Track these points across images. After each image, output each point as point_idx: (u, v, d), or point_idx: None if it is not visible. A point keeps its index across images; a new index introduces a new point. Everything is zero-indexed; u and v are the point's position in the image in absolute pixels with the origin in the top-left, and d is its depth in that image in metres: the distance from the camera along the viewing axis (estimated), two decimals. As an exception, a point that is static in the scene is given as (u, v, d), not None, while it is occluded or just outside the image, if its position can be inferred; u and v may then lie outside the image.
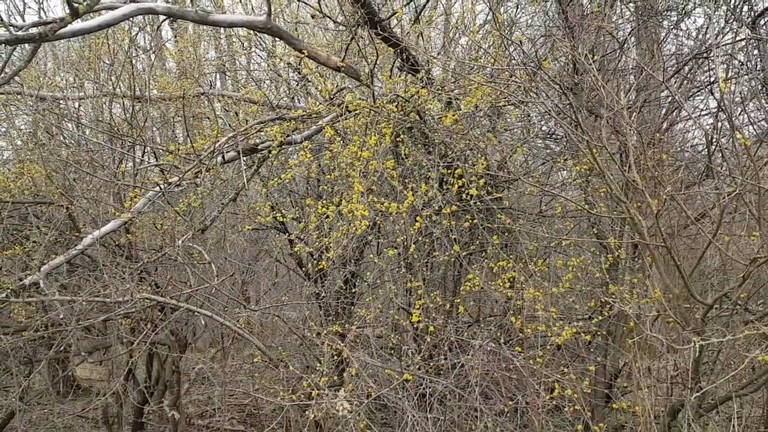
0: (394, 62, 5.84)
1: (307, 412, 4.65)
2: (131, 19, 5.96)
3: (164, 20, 9.04)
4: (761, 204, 3.70)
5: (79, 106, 7.57)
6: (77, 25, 4.65)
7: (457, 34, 7.75)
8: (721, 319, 4.79)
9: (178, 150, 5.61)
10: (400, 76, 5.93)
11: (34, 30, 4.49)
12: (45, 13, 11.73)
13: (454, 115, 5.20)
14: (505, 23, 6.45)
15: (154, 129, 8.47)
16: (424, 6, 7.12)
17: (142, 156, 7.13)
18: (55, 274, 5.26)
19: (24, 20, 8.67)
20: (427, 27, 6.97)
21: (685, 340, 4.31)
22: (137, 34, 9.39)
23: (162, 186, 5.01)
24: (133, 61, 7.44)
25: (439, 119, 5.40)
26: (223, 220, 6.70)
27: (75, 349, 5.96)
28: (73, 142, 7.28)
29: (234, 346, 8.30)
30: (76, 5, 4.15)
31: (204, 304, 5.84)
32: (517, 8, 7.30)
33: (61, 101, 7.31)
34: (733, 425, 4.54)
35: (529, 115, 6.69)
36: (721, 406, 4.84)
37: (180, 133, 8.54)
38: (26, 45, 4.92)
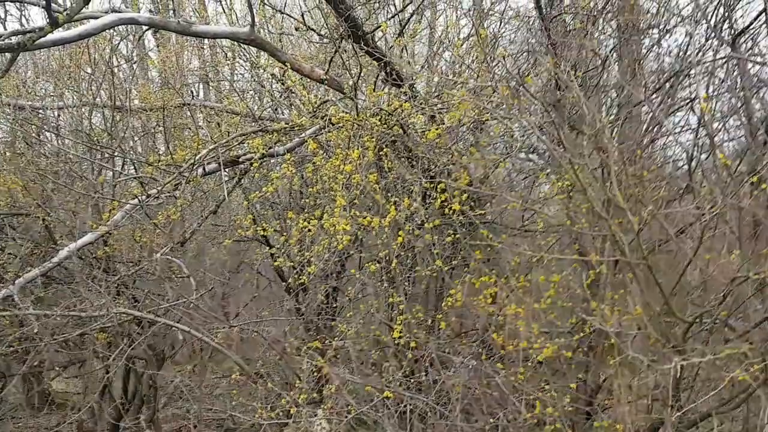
0: (377, 75, 5.83)
1: (284, 430, 4.58)
2: (113, 28, 5.91)
3: (146, 30, 8.97)
4: (741, 222, 3.71)
5: (59, 115, 7.48)
6: (57, 34, 4.61)
7: (441, 48, 7.78)
8: (702, 336, 4.80)
9: (158, 162, 5.55)
10: (383, 90, 5.92)
11: (13, 39, 4.44)
12: (27, 21, 11.62)
13: (437, 130, 5.19)
14: (489, 39, 6.47)
15: (135, 139, 8.38)
16: (408, 20, 7.13)
17: (122, 167, 7.05)
18: (30, 287, 5.16)
19: (5, 28, 8.57)
20: (411, 41, 6.98)
21: (665, 357, 4.30)
22: (119, 43, 9.31)
23: (141, 198, 4.94)
24: (115, 71, 7.37)
25: (423, 133, 5.39)
26: (203, 232, 6.63)
27: (50, 364, 5.85)
28: (51, 152, 7.18)
29: (212, 361, 8.19)
30: (56, 15, 4.10)
31: (182, 319, 5.75)
32: (501, 23, 7.34)
33: (40, 111, 7.22)
34: (713, 443, 4.54)
35: (511, 130, 6.71)
36: (700, 423, 4.84)
37: (161, 143, 8.46)
38: (5, 54, 4.85)
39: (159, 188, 4.96)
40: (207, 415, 7.83)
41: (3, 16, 12.14)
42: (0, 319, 5.34)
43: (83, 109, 7.02)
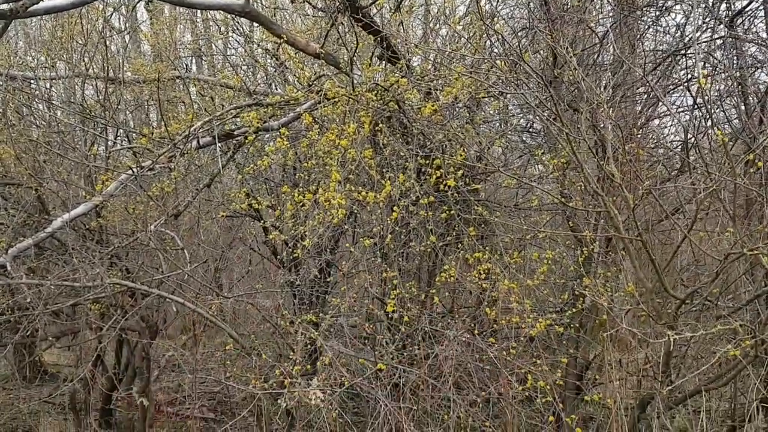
0: (373, 51, 5.79)
1: (279, 401, 4.61)
2: (106, -2, 5.83)
3: (139, 1, 8.86)
4: (736, 200, 3.74)
5: (51, 86, 7.40)
6: (50, 2, 4.53)
7: (438, 24, 7.73)
8: (693, 314, 4.86)
9: (152, 133, 5.51)
10: (379, 65, 5.89)
11: (4, 6, 4.36)
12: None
13: (433, 106, 5.17)
14: (487, 14, 6.43)
15: (128, 112, 8.31)
16: (406, -6, 7.07)
17: (115, 139, 6.99)
18: (22, 257, 5.14)
19: (-6, -4, 8.43)
20: (407, 16, 6.91)
21: (656, 333, 4.36)
22: (112, 14, 9.19)
23: (135, 170, 4.91)
24: (107, 42, 7.27)
25: (419, 109, 5.37)
26: (196, 206, 6.60)
27: (42, 334, 5.84)
28: (43, 122, 7.11)
29: (205, 334, 8.21)
30: (48, -19, 4.04)
31: (176, 291, 5.76)
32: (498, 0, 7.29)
33: (32, 81, 7.14)
34: (701, 418, 4.61)
35: (507, 107, 6.70)
36: (689, 399, 4.91)
37: (154, 116, 8.40)
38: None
39: (153, 159, 4.93)
40: (200, 387, 7.87)
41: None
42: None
43: (76, 80, 6.94)
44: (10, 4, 4.38)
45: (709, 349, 4.96)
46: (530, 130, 7.16)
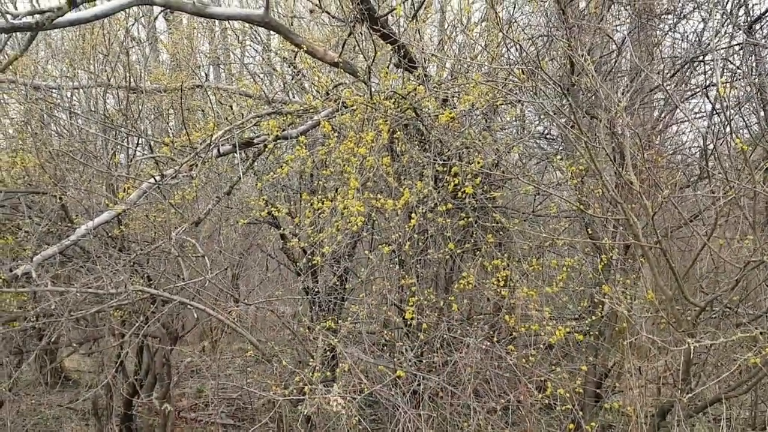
0: (391, 59, 5.83)
1: (299, 407, 4.65)
2: (128, 9, 5.93)
3: (161, 12, 8.98)
4: (755, 207, 3.73)
5: (73, 96, 7.52)
6: (74, 14, 4.61)
7: (454, 33, 7.76)
8: (712, 322, 4.83)
9: (174, 142, 5.59)
10: (397, 73, 5.93)
11: (30, 18, 4.45)
12: (38, 1, 11.60)
13: (450, 113, 5.20)
14: (503, 23, 6.45)
15: (148, 121, 8.42)
16: (422, 3, 7.12)
17: (136, 147, 7.09)
18: (47, 265, 5.22)
19: (16, 8, 8.58)
20: (424, 24, 6.96)
21: (676, 341, 4.34)
22: (133, 24, 9.33)
23: (157, 178, 4.99)
24: (128, 52, 7.39)
25: (436, 117, 5.40)
26: (216, 213, 6.67)
27: (65, 340, 5.92)
28: (66, 132, 7.23)
29: (225, 340, 8.27)
30: (74, -6, 4.12)
31: (195, 297, 5.81)
32: (515, 7, 7.31)
33: (54, 91, 7.26)
34: (722, 426, 4.59)
35: (524, 114, 6.71)
36: (710, 407, 4.88)
37: (173, 125, 8.50)
38: (20, 33, 4.88)
39: (176, 168, 5.00)
40: (220, 393, 7.93)
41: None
42: (18, 296, 5.41)
43: (97, 90, 7.05)
44: (36, 16, 4.48)
45: (730, 357, 4.93)
46: (547, 136, 7.17)
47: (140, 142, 6.99)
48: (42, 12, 4.68)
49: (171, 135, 7.43)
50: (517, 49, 5.45)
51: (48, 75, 7.64)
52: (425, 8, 7.53)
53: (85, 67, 7.29)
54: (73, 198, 6.16)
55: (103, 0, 5.14)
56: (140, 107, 6.98)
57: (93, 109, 7.15)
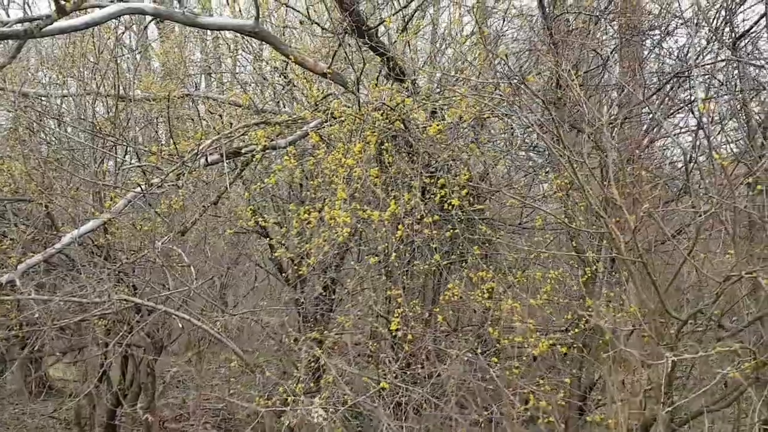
0: (380, 71, 5.87)
1: (282, 419, 4.63)
2: (118, 18, 5.93)
3: (151, 20, 9.00)
4: (736, 222, 3.77)
5: (62, 103, 7.51)
6: (64, 22, 4.61)
7: (444, 45, 7.82)
8: (695, 335, 4.85)
9: (161, 151, 5.59)
10: (386, 85, 5.96)
11: (19, 26, 4.44)
12: (30, 9, 11.62)
13: (438, 125, 5.23)
14: (491, 36, 6.51)
15: (137, 129, 8.41)
16: (412, 16, 7.17)
17: (124, 156, 7.08)
18: (31, 273, 5.20)
19: (8, 15, 8.58)
20: (414, 37, 7.01)
21: (659, 355, 4.36)
22: (123, 33, 9.33)
23: (143, 187, 4.98)
24: (118, 61, 7.39)
25: (424, 129, 5.43)
26: (204, 222, 6.67)
27: (49, 349, 5.89)
28: (54, 139, 7.21)
29: (210, 350, 8.23)
30: (63, 3, 4.12)
31: (181, 307, 5.80)
32: (504, 21, 7.38)
33: (43, 98, 7.25)
34: (704, 440, 4.59)
35: (512, 128, 6.75)
36: (692, 421, 4.89)
37: (162, 133, 8.49)
38: (10, 41, 4.88)
39: (162, 177, 5.00)
40: (204, 403, 7.89)
41: (6, 2, 12.16)
42: (1, 304, 5.38)
43: (86, 98, 7.05)
44: (26, 24, 4.48)
45: (713, 371, 4.95)
46: (535, 148, 7.21)
47: (128, 150, 6.98)
48: (32, 20, 4.68)
49: (160, 144, 7.43)
50: (503, 64, 5.50)
51: (37, 82, 7.64)
52: (417, 21, 7.59)
53: (75, 75, 7.29)
54: (59, 206, 6.14)
55: (94, 8, 5.16)
56: (129, 116, 6.98)
57: (82, 118, 7.15)
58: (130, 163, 6.71)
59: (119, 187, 5.64)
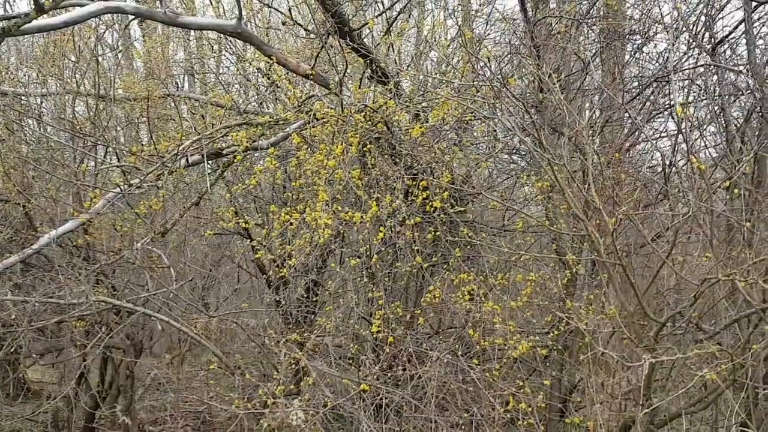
0: (363, 72, 5.86)
1: (261, 421, 4.60)
2: (99, 17, 5.88)
3: (132, 20, 8.93)
4: (713, 226, 3.80)
5: (42, 102, 7.43)
6: (42, 21, 4.56)
7: (427, 48, 7.83)
8: (674, 338, 4.90)
9: (141, 151, 5.54)
10: (369, 87, 5.96)
11: (-3, 24, 4.39)
12: (10, 6, 11.47)
13: (421, 128, 5.23)
14: (474, 40, 6.53)
15: (118, 129, 8.34)
16: (396, 18, 7.17)
17: (104, 156, 7.02)
18: (8, 273, 5.13)
19: (-10, 13, 8.47)
20: (397, 39, 7.02)
21: (638, 357, 4.39)
22: (104, 32, 9.25)
23: (123, 187, 4.94)
24: (99, 60, 7.33)
25: (407, 131, 5.43)
26: (184, 224, 6.62)
27: (26, 351, 5.81)
28: (33, 139, 7.13)
29: (191, 352, 8.18)
30: (42, 1, 4.08)
31: (162, 309, 5.75)
32: (487, 24, 7.40)
33: (22, 97, 7.16)
34: (682, 442, 4.63)
35: (494, 131, 6.78)
36: (671, 422, 4.93)
37: (144, 134, 8.43)
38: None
39: (141, 178, 4.96)
40: (183, 406, 7.83)
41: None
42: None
43: (67, 97, 6.98)
44: (3, 22, 4.42)
45: (691, 373, 4.99)
46: (518, 150, 7.23)
47: (108, 150, 6.91)
48: (9, 18, 4.62)
49: (141, 143, 7.37)
50: (485, 67, 5.52)
51: (17, 81, 7.54)
52: (401, 24, 7.60)
53: (55, 74, 7.21)
54: (37, 206, 6.07)
55: (74, 7, 5.10)
56: (109, 115, 6.91)
57: (62, 117, 7.07)
58: (110, 163, 6.64)
59: (99, 188, 5.58)
